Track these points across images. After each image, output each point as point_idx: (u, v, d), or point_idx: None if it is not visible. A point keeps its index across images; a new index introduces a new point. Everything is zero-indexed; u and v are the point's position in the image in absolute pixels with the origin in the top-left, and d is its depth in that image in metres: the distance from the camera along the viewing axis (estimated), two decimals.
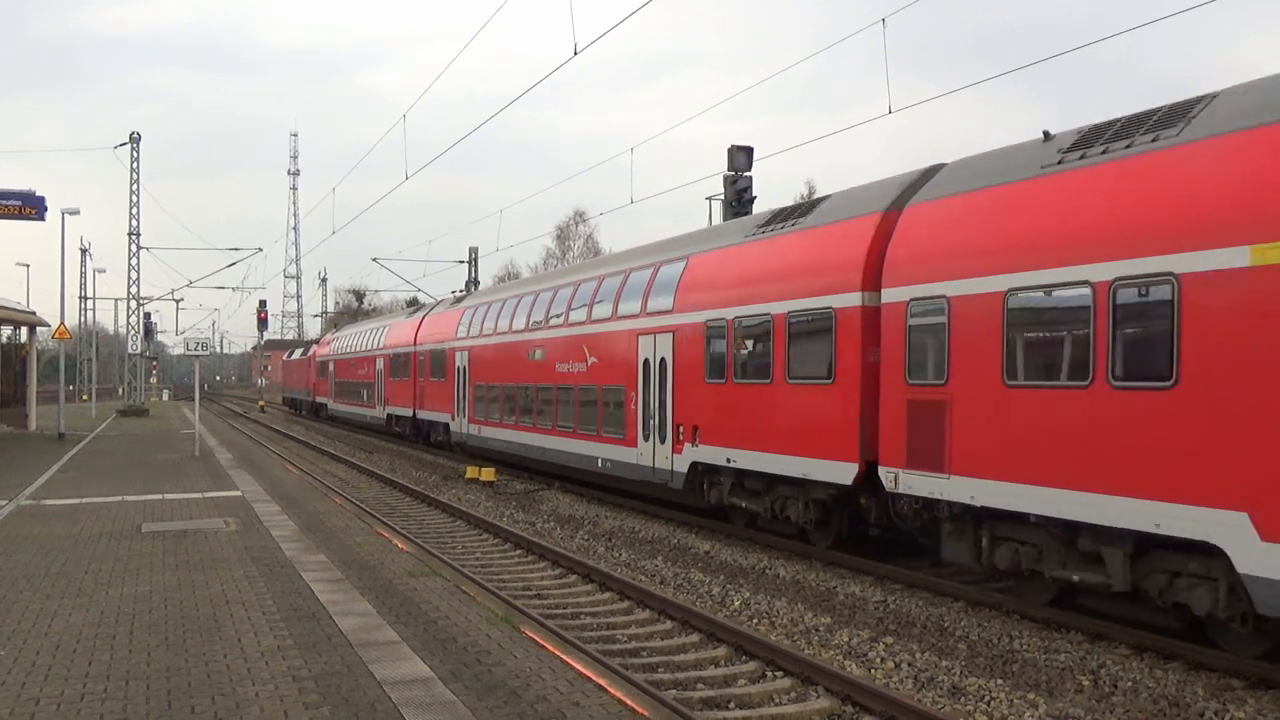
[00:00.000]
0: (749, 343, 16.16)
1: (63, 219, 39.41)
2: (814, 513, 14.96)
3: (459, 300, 36.36)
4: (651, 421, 18.97)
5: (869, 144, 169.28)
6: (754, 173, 23.37)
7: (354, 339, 50.70)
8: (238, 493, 19.37)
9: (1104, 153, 10.66)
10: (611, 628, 11.66)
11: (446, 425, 32.86)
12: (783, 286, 15.27)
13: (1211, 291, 9.09)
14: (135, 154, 52.37)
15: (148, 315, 66.22)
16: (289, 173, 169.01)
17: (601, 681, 7.57)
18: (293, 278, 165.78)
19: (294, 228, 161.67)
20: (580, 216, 79.53)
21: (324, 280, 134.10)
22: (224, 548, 13.03)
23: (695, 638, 11.03)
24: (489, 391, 28.36)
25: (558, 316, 23.77)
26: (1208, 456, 9.09)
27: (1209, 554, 9.22)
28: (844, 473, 13.80)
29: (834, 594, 13.11)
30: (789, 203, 17.23)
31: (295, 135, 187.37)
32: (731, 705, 8.99)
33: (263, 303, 75.08)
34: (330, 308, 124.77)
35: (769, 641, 10.42)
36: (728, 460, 16.53)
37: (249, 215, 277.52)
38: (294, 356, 76.54)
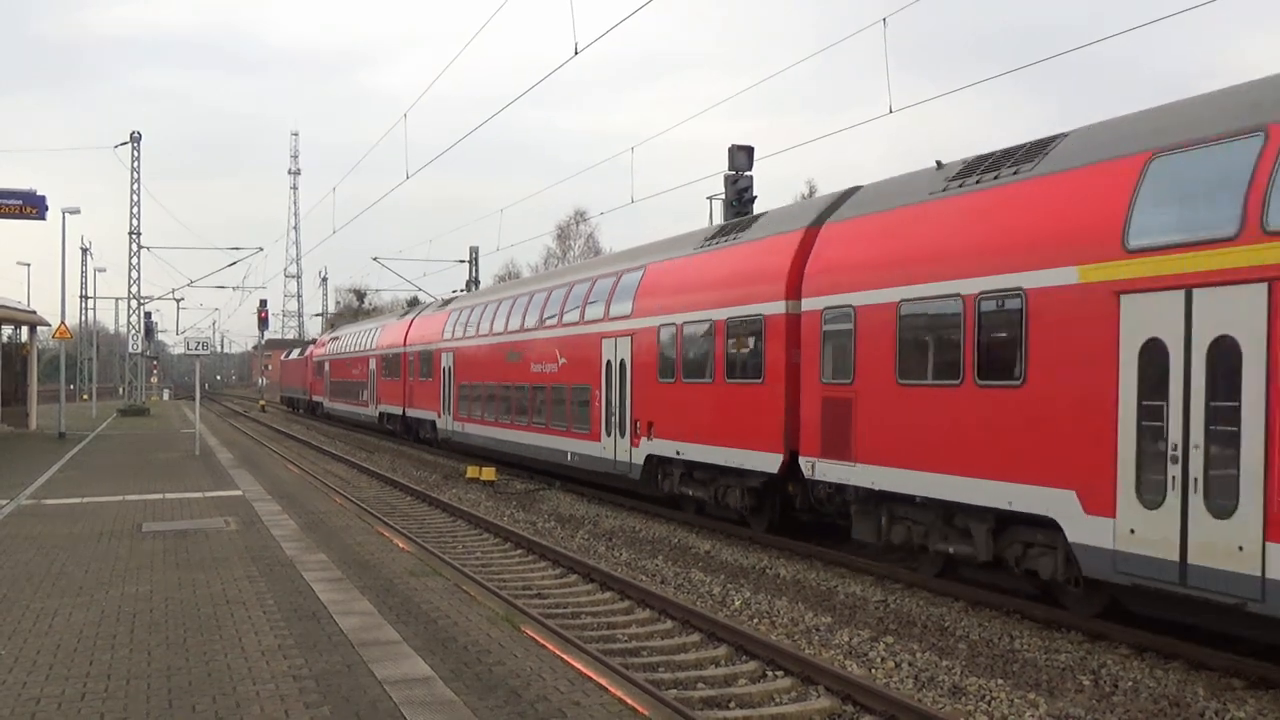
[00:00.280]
0: (695, 346, 17.80)
1: (63, 218, 39.42)
2: (750, 499, 16.62)
3: (446, 303, 37.72)
4: (613, 418, 20.57)
5: (870, 143, 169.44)
6: (755, 172, 23.34)
7: (348, 340, 52.29)
8: (238, 492, 19.37)
9: (977, 182, 12.31)
10: (612, 627, 11.67)
11: (434, 423, 34.38)
12: (723, 295, 16.96)
13: (1050, 305, 10.68)
14: (136, 153, 52.38)
15: (148, 314, 66.22)
16: (290, 172, 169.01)
17: (602, 681, 7.57)
18: (293, 277, 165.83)
19: (294, 227, 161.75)
20: (581, 216, 79.63)
21: (324, 280, 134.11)
22: (224, 547, 13.04)
23: (696, 637, 11.03)
24: (472, 390, 30.02)
25: (533, 320, 25.43)
26: (1046, 444, 10.69)
27: (1049, 527, 10.80)
28: (771, 462, 15.47)
29: (834, 594, 13.11)
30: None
31: (296, 135, 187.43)
32: (732, 705, 8.99)
33: (263, 302, 75.07)
34: (331, 307, 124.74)
35: (769, 641, 10.43)
36: (677, 453, 18.24)
37: (250, 215, 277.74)
38: (291, 356, 78.59)
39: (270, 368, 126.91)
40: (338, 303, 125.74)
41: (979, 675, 9.65)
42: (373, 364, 44.76)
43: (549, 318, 24.37)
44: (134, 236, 53.81)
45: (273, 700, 6.86)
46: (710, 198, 27.69)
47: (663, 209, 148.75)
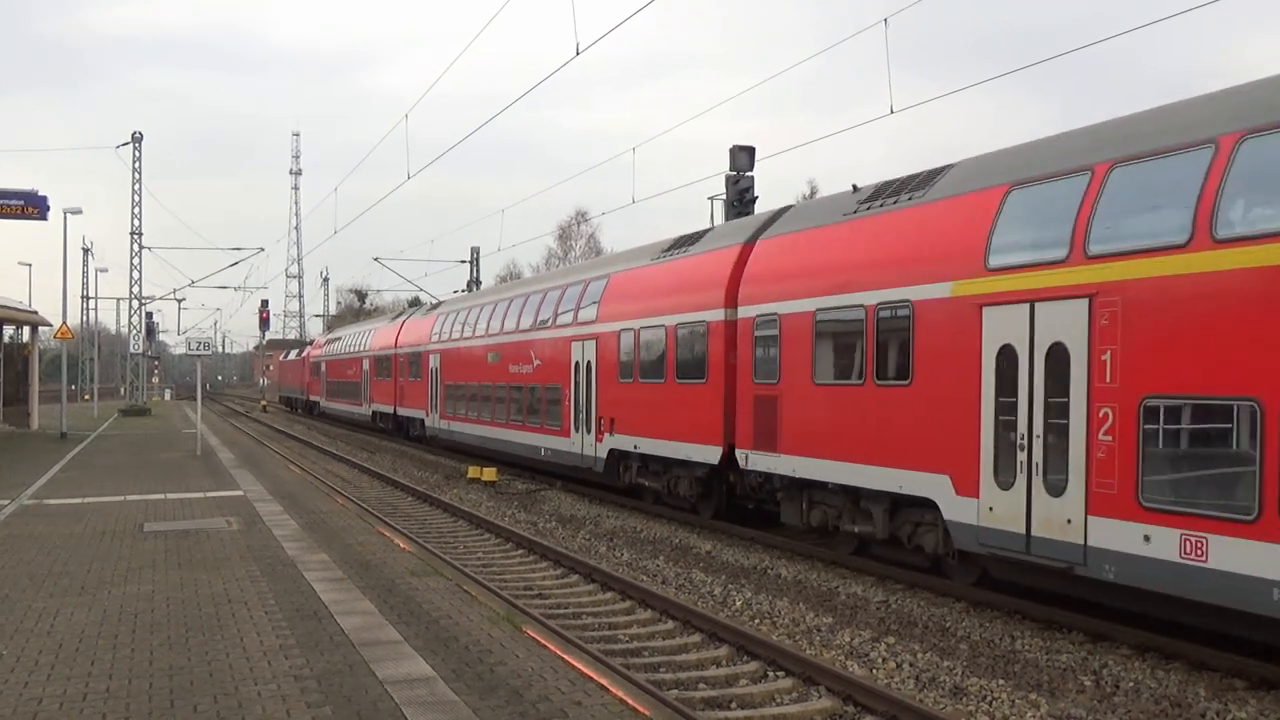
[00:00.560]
0: (650, 349, 19.47)
1: (65, 218, 39.49)
2: (697, 488, 18.26)
3: (434, 307, 39.56)
4: (581, 415, 22.25)
5: (872, 143, 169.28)
6: (756, 173, 23.37)
7: (343, 342, 54.17)
8: (240, 492, 19.39)
9: (880, 206, 13.85)
10: (613, 628, 11.67)
11: (422, 421, 36.07)
12: (673, 302, 18.65)
13: (930, 315, 12.27)
14: (137, 153, 52.34)
15: (150, 315, 66.24)
16: (291, 172, 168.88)
17: (603, 681, 7.57)
18: (295, 277, 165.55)
19: (296, 227, 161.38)
20: (582, 216, 79.70)
21: (326, 280, 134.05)
22: (226, 547, 13.05)
23: (697, 638, 11.03)
24: (457, 390, 31.78)
25: (511, 324, 27.18)
26: (928, 436, 12.31)
27: (931, 507, 12.36)
28: (713, 454, 17.16)
29: (836, 594, 13.11)
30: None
31: (297, 135, 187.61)
32: (733, 705, 8.99)
33: (265, 302, 75.17)
34: (332, 308, 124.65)
35: (771, 641, 10.43)
36: (635, 447, 19.92)
37: (251, 215, 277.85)
38: (289, 357, 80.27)
39: (271, 368, 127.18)
40: (339, 303, 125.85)
41: (980, 676, 9.65)
42: (366, 365, 46.31)
43: (525, 322, 26.05)
44: (135, 236, 53.79)
45: (274, 700, 6.86)
46: (712, 198, 27.70)
47: (664, 209, 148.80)
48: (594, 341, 21.69)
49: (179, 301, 73.47)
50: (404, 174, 47.63)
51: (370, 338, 46.83)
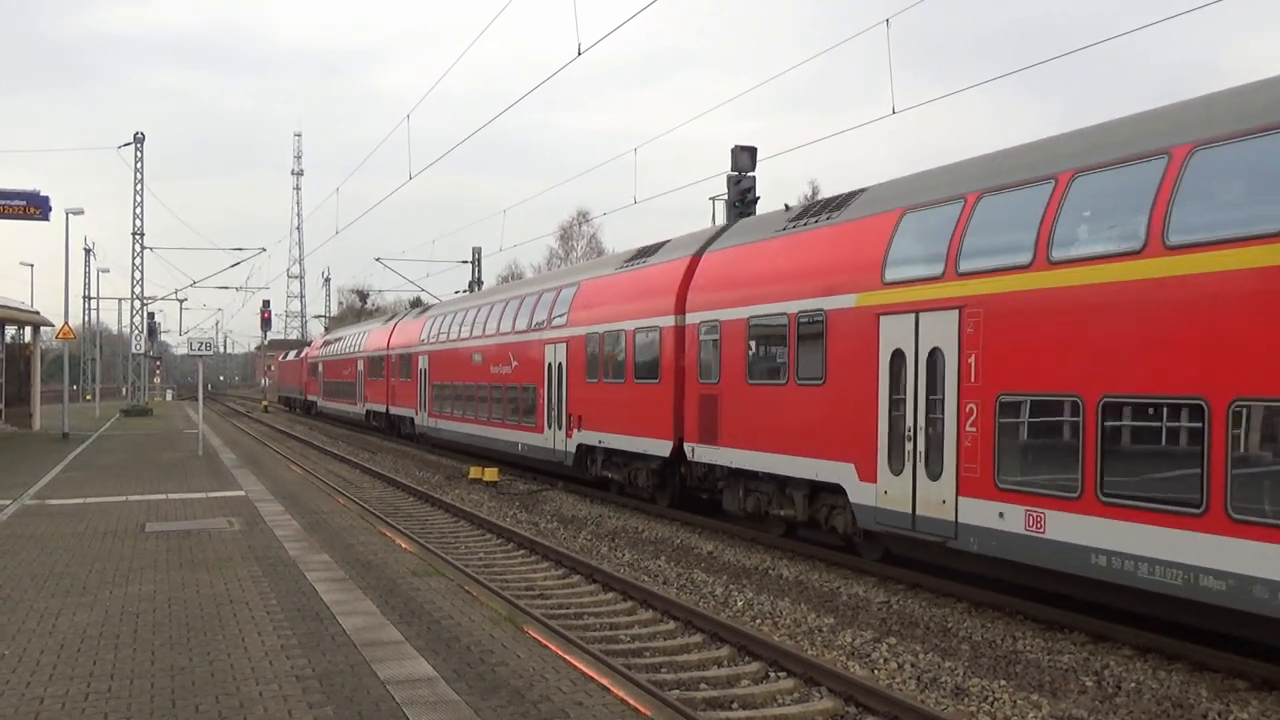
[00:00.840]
0: (612, 351, 21.00)
1: (67, 219, 39.44)
2: (654, 479, 19.82)
3: (423, 311, 41.40)
4: (553, 413, 23.79)
5: (875, 143, 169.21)
6: (758, 173, 23.37)
7: (339, 343, 56.02)
8: (241, 492, 19.40)
9: (804, 224, 15.49)
10: (615, 628, 11.67)
11: (412, 419, 37.67)
12: (632, 308, 20.26)
13: (840, 323, 13.86)
14: (139, 154, 52.36)
15: (151, 315, 66.28)
16: (293, 172, 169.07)
17: (604, 682, 7.57)
18: (296, 278, 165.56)
19: (298, 227, 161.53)
20: (584, 216, 79.67)
21: (327, 280, 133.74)
22: (228, 547, 13.05)
23: (698, 638, 11.03)
24: (443, 390, 33.41)
25: (492, 327, 28.81)
26: (838, 429, 13.89)
27: (841, 493, 13.90)
28: (664, 448, 18.74)
29: (837, 595, 13.11)
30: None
31: (299, 135, 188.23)
32: (735, 706, 8.99)
33: (266, 303, 75.30)
34: (334, 308, 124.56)
35: (772, 642, 10.43)
36: (599, 441, 21.49)
37: (252, 215, 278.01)
38: (288, 358, 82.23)
39: (273, 368, 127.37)
40: (340, 303, 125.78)
41: (982, 676, 9.65)
42: (360, 365, 47.85)
43: (505, 325, 27.62)
44: (137, 237, 53.81)
45: (276, 700, 6.86)
46: (713, 198, 27.70)
47: (666, 210, 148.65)
48: (565, 344, 23.22)
49: (181, 302, 73.58)
50: (406, 174, 47.63)
51: (364, 339, 48.30)
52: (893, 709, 8.48)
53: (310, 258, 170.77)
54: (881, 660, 10.27)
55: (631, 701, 7.08)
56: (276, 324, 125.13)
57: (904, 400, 12.60)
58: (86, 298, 71.04)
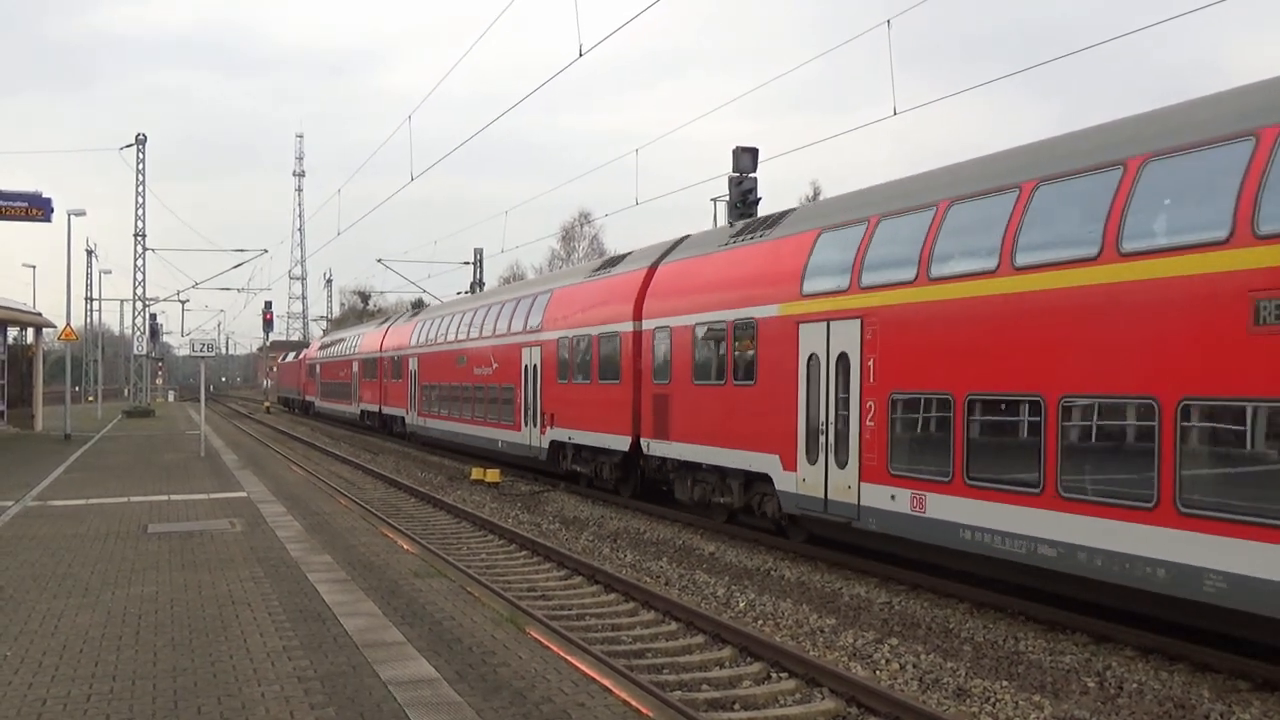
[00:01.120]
0: (580, 354, 22.69)
1: (69, 220, 39.41)
2: (617, 472, 21.40)
3: (414, 314, 43.43)
4: (529, 411, 25.47)
5: (877, 144, 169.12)
6: (760, 173, 23.35)
7: (335, 345, 57.94)
8: (243, 494, 19.41)
9: (742, 240, 17.21)
10: (616, 629, 11.67)
11: (403, 419, 39.26)
12: (597, 314, 21.96)
13: (768, 329, 15.51)
14: (141, 155, 52.37)
15: (153, 316, 66.29)
16: (294, 174, 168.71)
17: (606, 682, 7.57)
18: (298, 279, 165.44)
19: (299, 229, 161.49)
20: (585, 217, 79.59)
21: (329, 281, 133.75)
22: (230, 548, 13.06)
23: (700, 639, 11.03)
24: (431, 391, 35.11)
25: (475, 331, 30.51)
26: (766, 424, 15.46)
27: (769, 481, 15.43)
28: (624, 443, 20.36)
29: (839, 595, 13.11)
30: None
31: (301, 136, 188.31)
32: (736, 706, 8.99)
33: (268, 304, 75.39)
34: (336, 309, 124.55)
35: (774, 643, 10.42)
36: (569, 438, 23.25)
37: (254, 217, 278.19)
38: (287, 360, 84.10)
39: (275, 369, 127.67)
40: (342, 304, 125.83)
41: (983, 677, 9.64)
42: (355, 367, 49.64)
43: (488, 329, 29.27)
44: (139, 238, 53.83)
45: (278, 701, 6.87)
46: (715, 199, 27.67)
47: (667, 210, 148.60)
48: (539, 347, 24.98)
49: (183, 303, 73.72)
50: (408, 175, 47.63)
51: (359, 342, 50.16)
52: (895, 710, 8.47)
53: (312, 259, 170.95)
54: (883, 661, 10.26)
55: (633, 703, 7.08)
56: (278, 325, 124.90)
57: (819, 398, 14.23)
58: (89, 299, 71.22)
